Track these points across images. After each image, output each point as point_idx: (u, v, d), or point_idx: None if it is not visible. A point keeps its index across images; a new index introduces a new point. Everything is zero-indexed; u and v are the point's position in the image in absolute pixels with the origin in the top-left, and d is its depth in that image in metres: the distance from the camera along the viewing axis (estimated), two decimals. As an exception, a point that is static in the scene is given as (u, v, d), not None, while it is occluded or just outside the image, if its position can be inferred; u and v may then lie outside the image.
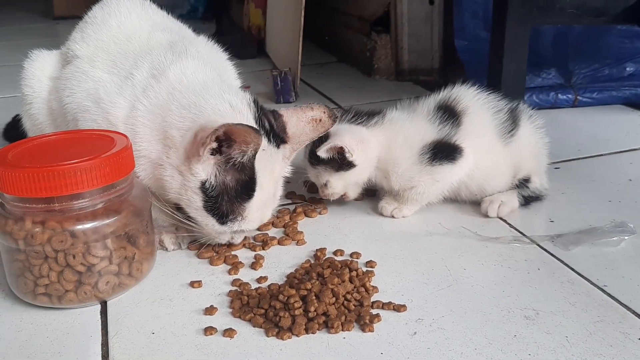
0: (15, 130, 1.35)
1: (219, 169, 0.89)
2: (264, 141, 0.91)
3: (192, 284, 0.91)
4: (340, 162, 1.04)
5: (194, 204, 0.91)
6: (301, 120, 0.95)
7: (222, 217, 0.91)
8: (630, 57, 1.64)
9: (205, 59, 1.05)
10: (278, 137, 0.94)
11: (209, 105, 0.90)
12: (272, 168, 0.93)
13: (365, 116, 1.09)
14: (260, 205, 0.93)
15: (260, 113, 0.94)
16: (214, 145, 0.87)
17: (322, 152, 1.03)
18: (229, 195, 0.90)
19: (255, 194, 0.91)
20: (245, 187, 0.90)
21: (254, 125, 0.90)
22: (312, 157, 1.06)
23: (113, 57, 1.02)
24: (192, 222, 0.94)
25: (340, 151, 1.03)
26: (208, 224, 0.92)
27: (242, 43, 2.49)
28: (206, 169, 0.89)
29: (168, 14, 1.20)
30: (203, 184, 0.89)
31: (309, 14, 1.80)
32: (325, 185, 1.08)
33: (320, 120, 0.95)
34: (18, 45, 1.21)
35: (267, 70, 2.07)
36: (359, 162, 1.05)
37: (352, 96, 1.89)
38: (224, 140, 0.87)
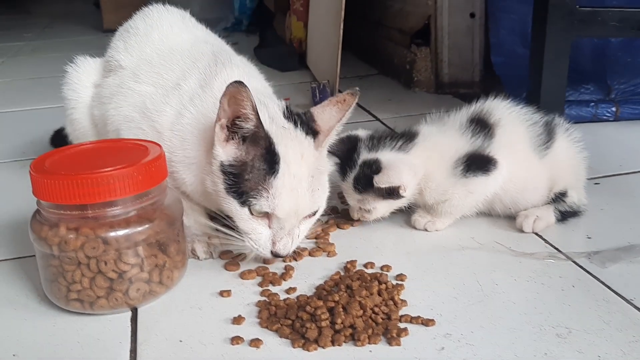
0: (60, 137, 1.40)
1: (237, 149, 0.90)
2: (288, 123, 0.92)
3: (222, 293, 0.91)
4: (391, 193, 1.03)
5: (218, 186, 0.91)
6: (326, 107, 0.96)
7: (242, 194, 0.89)
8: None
9: (248, 69, 1.07)
10: (307, 126, 0.94)
11: None
12: (301, 151, 0.91)
13: (403, 139, 1.07)
14: (290, 186, 0.89)
15: (289, 111, 0.96)
16: (224, 122, 0.89)
17: (382, 184, 1.01)
18: (251, 173, 0.89)
19: (281, 168, 0.88)
20: (267, 161, 0.89)
21: (281, 116, 0.94)
22: (360, 184, 1.04)
23: (157, 69, 1.05)
24: (234, 233, 0.93)
25: (397, 188, 1.02)
26: (231, 208, 0.90)
27: (284, 55, 2.52)
28: (226, 151, 0.90)
29: (211, 28, 1.22)
30: (222, 163, 0.90)
31: (352, 27, 1.81)
32: (369, 211, 1.07)
33: (344, 100, 0.95)
34: (68, 57, 1.24)
35: (308, 82, 2.08)
36: (409, 195, 1.05)
37: (391, 109, 1.88)
38: (235, 120, 0.88)
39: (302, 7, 2.41)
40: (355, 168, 1.05)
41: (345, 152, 1.07)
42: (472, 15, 1.97)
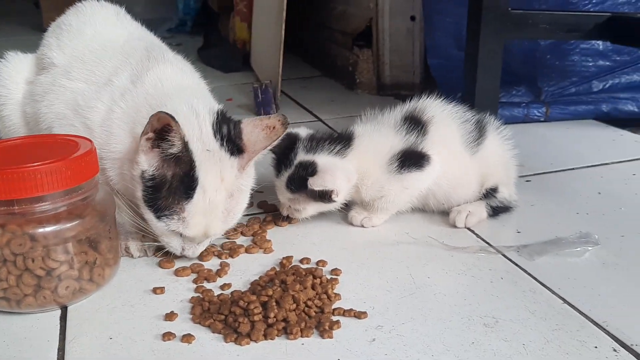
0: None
1: (160, 161, 0.89)
2: (214, 144, 0.91)
3: (155, 291, 0.90)
4: (323, 196, 1.04)
5: (137, 193, 0.91)
6: (256, 127, 0.94)
7: (158, 210, 0.90)
8: (595, 75, 1.64)
9: (181, 65, 1.07)
10: (233, 144, 0.93)
11: (170, 106, 0.91)
12: (221, 174, 0.91)
13: (340, 143, 1.07)
14: (203, 211, 0.90)
15: (220, 119, 0.94)
16: (151, 135, 0.88)
17: (316, 187, 1.01)
18: (169, 191, 0.89)
19: (196, 195, 0.89)
20: (184, 184, 0.89)
21: (210, 130, 0.92)
22: (293, 184, 1.05)
23: (89, 66, 1.03)
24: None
25: (329, 192, 1.03)
26: (148, 217, 0.92)
27: (228, 56, 2.51)
28: (149, 160, 0.89)
29: (155, 29, 1.21)
30: (143, 173, 0.90)
31: (296, 29, 1.81)
32: (299, 210, 1.08)
33: (274, 127, 0.94)
34: (6, 57, 1.21)
35: (251, 83, 2.08)
36: (340, 200, 1.06)
37: (333, 110, 1.90)
38: (162, 133, 0.88)
39: (246, 9, 2.41)
40: (290, 167, 1.05)
41: (283, 150, 1.07)
42: (413, 18, 2.00)
